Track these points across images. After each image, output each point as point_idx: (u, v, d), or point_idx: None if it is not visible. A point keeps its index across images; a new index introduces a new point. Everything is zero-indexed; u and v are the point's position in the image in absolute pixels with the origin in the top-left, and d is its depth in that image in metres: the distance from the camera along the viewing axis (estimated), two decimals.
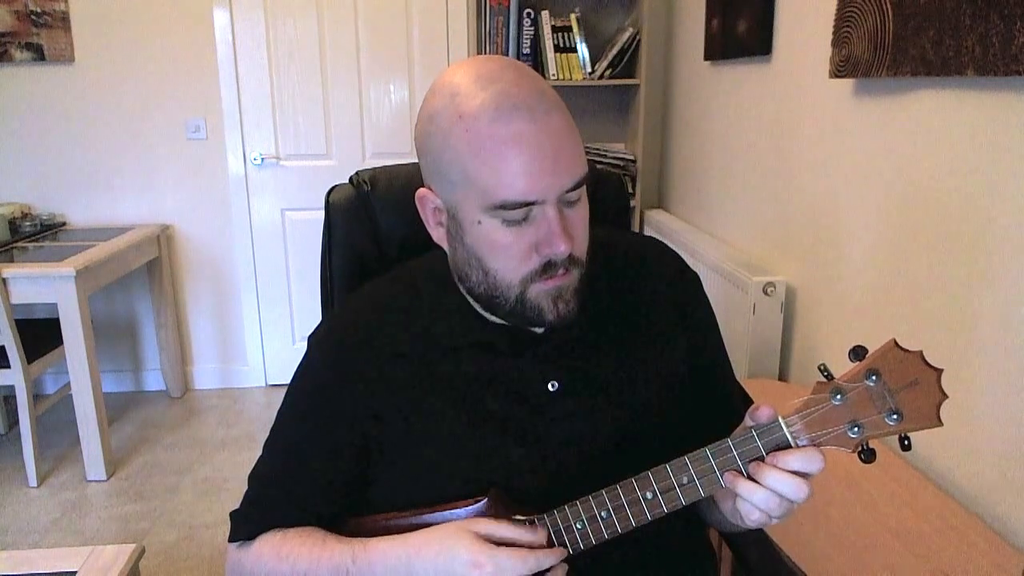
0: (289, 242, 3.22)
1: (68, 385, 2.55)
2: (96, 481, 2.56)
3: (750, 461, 0.70)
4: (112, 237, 2.83)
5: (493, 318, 0.82)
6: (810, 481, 0.69)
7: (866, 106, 1.53)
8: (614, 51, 2.91)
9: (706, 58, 2.48)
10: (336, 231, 1.04)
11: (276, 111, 3.09)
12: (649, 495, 0.73)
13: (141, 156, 3.10)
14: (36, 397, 2.71)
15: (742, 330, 1.90)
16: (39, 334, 2.62)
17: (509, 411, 0.81)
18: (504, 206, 0.71)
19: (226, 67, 3.03)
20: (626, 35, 2.90)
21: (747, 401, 0.96)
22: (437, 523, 0.78)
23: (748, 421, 0.72)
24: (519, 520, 0.74)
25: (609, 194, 1.09)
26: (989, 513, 1.20)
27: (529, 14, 2.86)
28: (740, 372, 0.97)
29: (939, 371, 0.66)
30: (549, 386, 0.81)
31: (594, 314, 0.82)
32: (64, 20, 2.93)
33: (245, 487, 0.88)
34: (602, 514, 0.74)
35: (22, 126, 3.04)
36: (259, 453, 0.89)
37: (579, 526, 0.75)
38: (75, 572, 1.23)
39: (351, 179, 1.07)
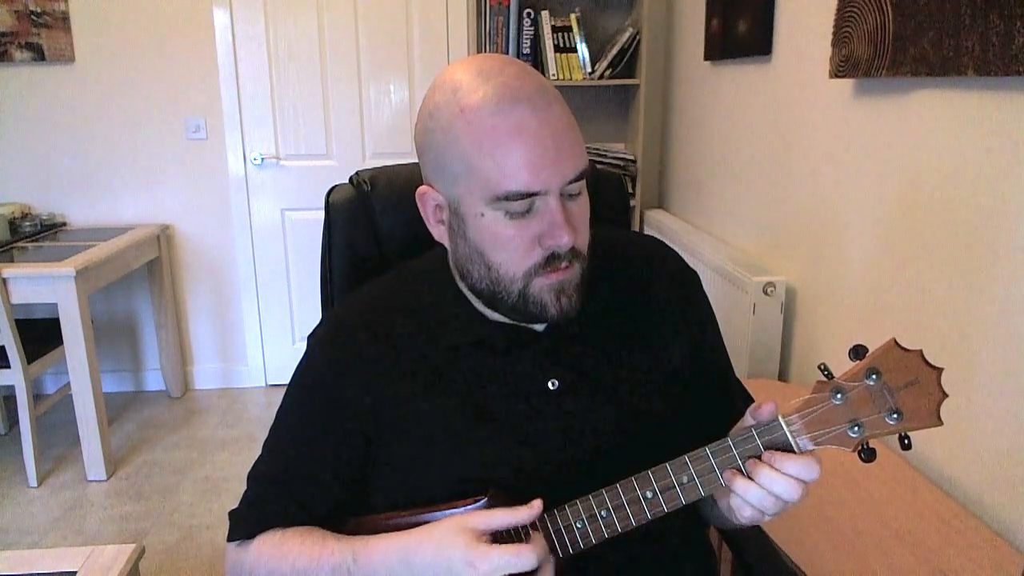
0: (289, 242, 3.22)
1: (68, 385, 2.55)
2: (96, 481, 2.56)
3: (749, 458, 0.70)
4: (112, 237, 2.83)
5: (494, 316, 0.82)
6: (806, 485, 0.69)
7: (866, 106, 1.53)
8: (614, 51, 2.91)
9: (706, 58, 2.48)
10: (336, 231, 1.04)
11: (276, 111, 3.09)
12: (649, 494, 0.73)
13: (141, 156, 3.10)
14: (36, 397, 2.71)
15: (742, 330, 1.90)
16: (39, 334, 2.62)
17: (509, 409, 0.81)
18: (508, 197, 0.71)
19: (226, 67, 3.03)
20: (626, 35, 2.90)
21: (748, 399, 0.96)
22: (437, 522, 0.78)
23: (748, 419, 0.72)
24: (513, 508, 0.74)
25: (609, 194, 1.09)
26: (989, 513, 1.20)
27: (529, 14, 2.86)
28: (740, 372, 0.97)
29: (939, 370, 0.66)
30: (549, 384, 0.81)
31: (594, 313, 0.83)
32: (64, 20, 2.93)
33: (245, 487, 0.88)
34: (602, 513, 0.74)
35: (22, 126, 3.04)
36: (259, 453, 0.89)
37: (579, 525, 0.75)
38: (75, 572, 1.23)
39: (351, 179, 1.07)
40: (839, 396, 0.68)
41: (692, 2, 2.68)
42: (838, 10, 1.55)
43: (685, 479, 0.72)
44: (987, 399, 1.20)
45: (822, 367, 0.70)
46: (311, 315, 3.27)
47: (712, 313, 0.94)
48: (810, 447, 0.69)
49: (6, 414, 2.97)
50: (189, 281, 3.25)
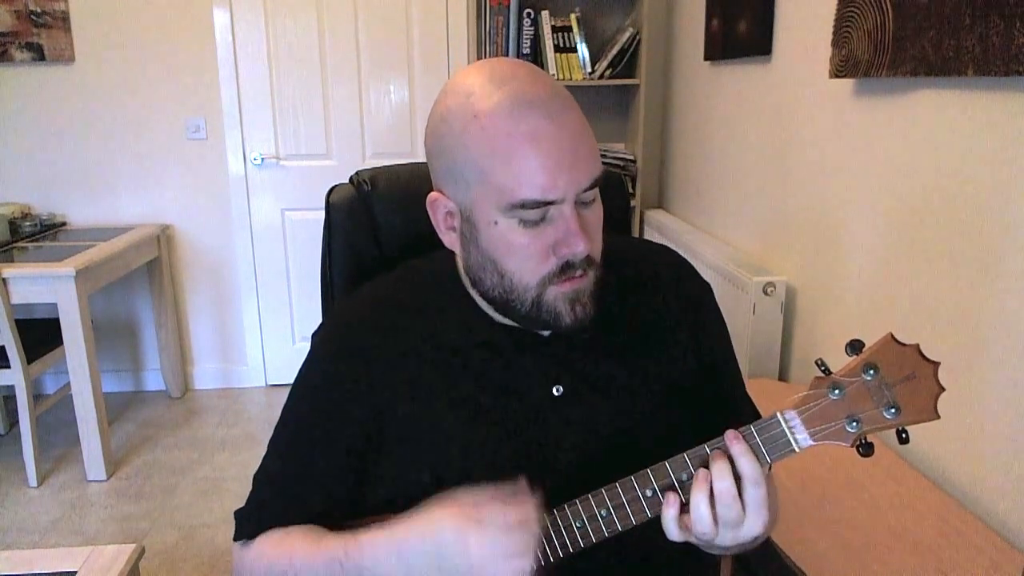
0: (289, 242, 3.22)
1: (68, 385, 2.55)
2: (96, 481, 2.56)
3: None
4: (112, 237, 2.83)
5: (499, 319, 0.82)
6: (735, 503, 0.68)
7: (866, 106, 1.53)
8: (614, 51, 2.91)
9: (706, 58, 2.48)
10: (336, 231, 1.04)
11: (276, 111, 3.09)
12: (649, 493, 0.73)
13: (141, 156, 3.10)
14: (36, 397, 2.71)
15: (742, 330, 1.90)
16: (39, 334, 2.62)
17: (512, 413, 0.81)
18: (523, 205, 0.71)
19: (226, 67, 3.03)
20: (626, 35, 2.90)
21: (755, 412, 0.95)
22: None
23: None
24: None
25: (609, 194, 1.09)
26: (989, 513, 1.20)
27: (529, 14, 2.86)
28: (740, 372, 0.97)
29: (936, 364, 0.66)
30: (554, 390, 0.81)
31: (602, 320, 0.82)
32: (64, 20, 2.93)
33: (245, 487, 0.88)
34: (602, 513, 0.74)
35: (22, 126, 3.04)
36: (259, 453, 0.89)
37: (579, 525, 0.75)
38: (75, 572, 1.23)
39: (351, 179, 1.07)
40: (836, 392, 0.68)
41: (692, 2, 2.68)
42: (838, 10, 1.55)
43: (685, 477, 0.72)
44: (987, 399, 1.20)
45: (819, 363, 0.70)
46: (311, 315, 3.27)
47: (723, 324, 0.93)
48: (808, 443, 0.69)
49: (6, 414, 2.97)
50: (189, 281, 3.25)
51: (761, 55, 2.02)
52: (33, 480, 2.52)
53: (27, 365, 2.44)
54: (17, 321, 2.39)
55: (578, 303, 0.76)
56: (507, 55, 2.89)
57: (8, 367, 2.42)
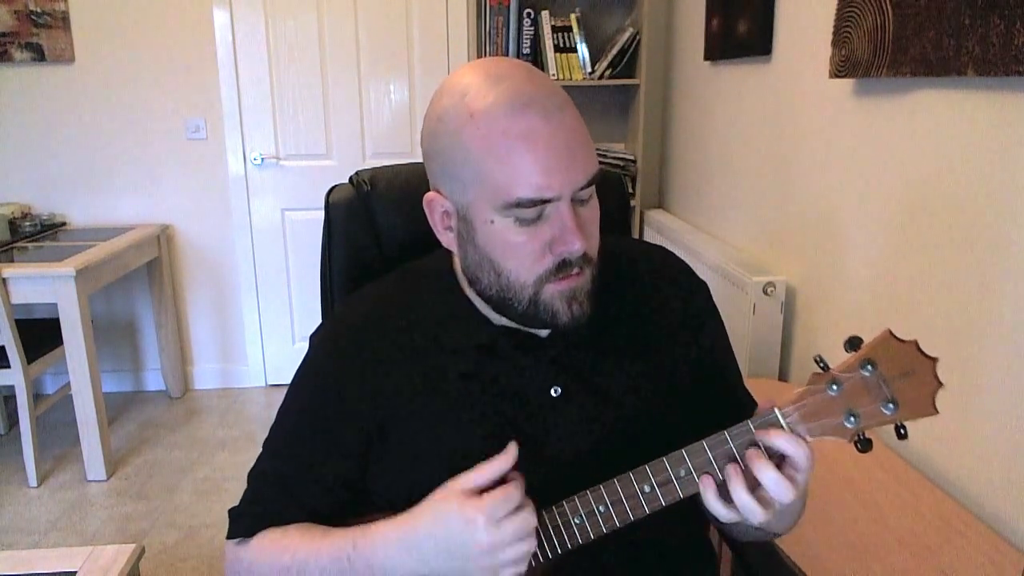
0: (289, 242, 3.22)
1: (68, 385, 2.55)
2: (96, 481, 2.56)
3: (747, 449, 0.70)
4: (112, 237, 2.83)
5: (498, 320, 0.82)
6: (795, 483, 0.68)
7: (866, 106, 1.53)
8: (614, 51, 2.91)
9: (706, 58, 2.48)
10: (336, 231, 1.04)
11: (276, 111, 3.10)
12: (647, 488, 0.73)
13: (141, 156, 3.10)
14: (36, 397, 2.71)
15: (742, 330, 1.90)
16: (39, 334, 2.62)
17: (510, 414, 0.81)
18: (519, 204, 0.71)
19: (226, 67, 3.03)
20: (626, 35, 2.90)
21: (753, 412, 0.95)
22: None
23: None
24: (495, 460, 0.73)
25: (609, 194, 1.09)
26: (989, 513, 1.20)
27: (529, 14, 2.86)
28: (740, 372, 0.97)
29: (934, 360, 0.66)
30: (552, 391, 0.81)
31: (600, 321, 0.82)
32: (64, 20, 2.94)
33: (245, 487, 0.88)
34: (600, 509, 0.74)
35: (22, 126, 3.04)
36: (259, 452, 0.89)
37: (577, 521, 0.75)
38: (75, 572, 1.23)
39: (351, 179, 1.07)
40: (835, 387, 0.68)
41: (692, 2, 2.68)
42: (838, 10, 1.55)
43: (683, 472, 0.72)
44: (988, 399, 1.20)
45: (818, 359, 0.70)
46: (311, 315, 3.27)
47: (721, 324, 0.93)
48: (807, 438, 0.69)
49: (6, 414, 2.97)
50: (189, 281, 3.25)
51: (761, 55, 2.02)
52: (33, 480, 2.53)
53: (27, 365, 2.44)
54: (17, 321, 2.40)
55: (575, 301, 0.76)
56: (507, 55, 2.89)
57: (8, 367, 2.42)
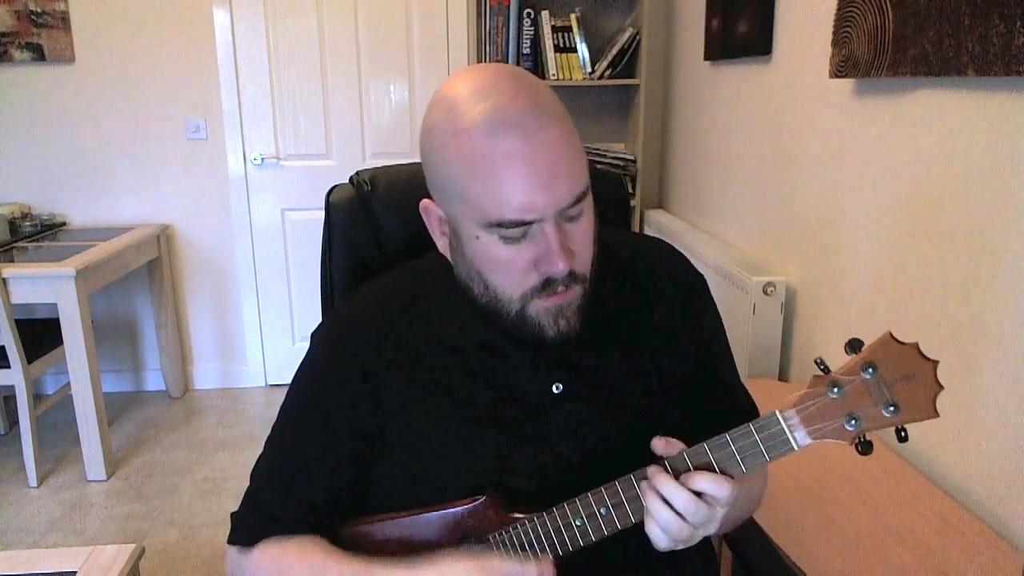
0: (289, 242, 3.22)
1: (68, 385, 2.55)
2: (96, 481, 2.56)
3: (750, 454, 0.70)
4: (112, 237, 2.83)
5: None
6: (711, 506, 0.70)
7: (866, 106, 1.53)
8: (614, 51, 2.91)
9: (706, 58, 2.48)
10: (336, 231, 1.04)
11: (276, 111, 3.10)
12: None
13: (141, 156, 3.10)
14: (36, 397, 2.70)
15: (742, 330, 1.90)
16: (39, 334, 2.62)
17: (511, 412, 0.81)
18: (500, 224, 0.70)
19: (226, 67, 3.03)
20: (626, 35, 2.90)
21: (751, 404, 0.96)
22: (434, 523, 0.78)
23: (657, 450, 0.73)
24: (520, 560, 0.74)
25: (609, 194, 1.09)
26: (989, 513, 1.20)
27: (529, 14, 2.86)
28: (740, 372, 0.97)
29: (935, 363, 0.66)
30: (553, 388, 0.81)
31: (599, 316, 0.82)
32: (64, 20, 2.94)
33: (245, 487, 0.88)
34: (601, 511, 0.74)
35: (22, 126, 3.04)
36: (259, 453, 0.89)
37: (578, 523, 0.75)
38: (75, 572, 1.23)
39: (351, 179, 1.07)
40: (835, 390, 0.68)
41: (692, 2, 2.68)
42: (838, 10, 1.55)
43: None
44: (988, 399, 1.20)
45: (818, 361, 0.70)
46: (311, 315, 3.27)
47: (718, 317, 0.94)
48: (807, 441, 0.69)
49: (6, 414, 2.97)
50: (189, 281, 3.25)
51: (761, 55, 2.02)
52: (33, 480, 2.53)
53: (27, 365, 2.44)
54: (17, 321, 2.40)
55: (561, 317, 0.76)
56: (507, 55, 2.89)
57: (8, 367, 2.42)
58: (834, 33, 1.56)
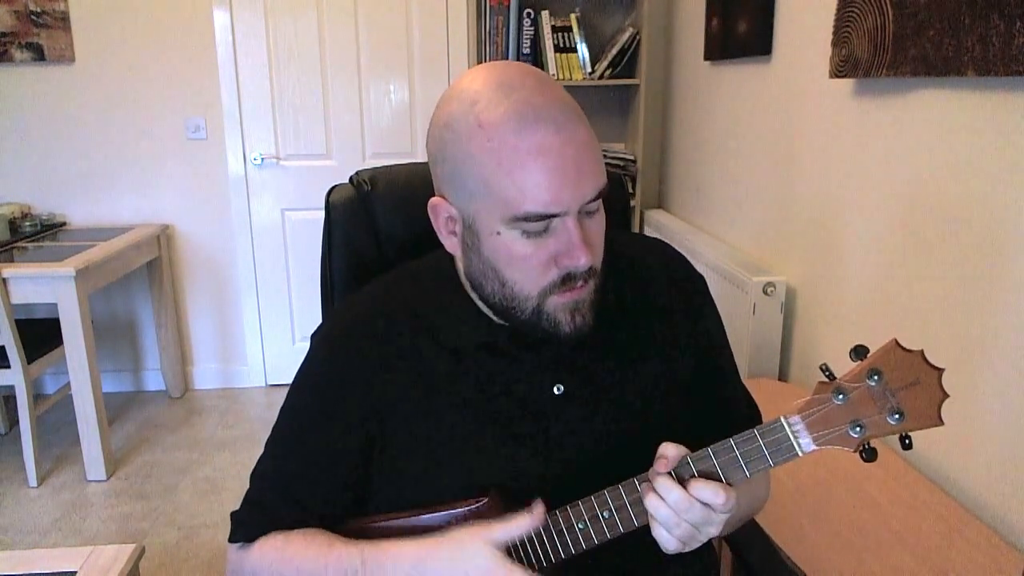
0: (289, 242, 3.22)
1: (68, 385, 2.55)
2: (96, 481, 2.56)
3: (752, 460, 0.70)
4: (112, 237, 2.83)
5: (499, 319, 0.82)
6: (709, 508, 0.70)
7: (866, 106, 1.53)
8: (614, 51, 2.91)
9: (706, 58, 2.48)
10: (336, 231, 1.04)
11: (276, 111, 3.09)
12: None
13: (141, 156, 3.10)
14: (36, 397, 2.70)
15: (742, 330, 1.90)
16: (39, 334, 2.62)
17: (512, 413, 0.81)
18: (527, 218, 0.70)
19: (226, 67, 3.03)
20: (626, 35, 2.90)
21: (752, 405, 0.96)
22: (437, 524, 0.78)
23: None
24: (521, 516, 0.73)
25: (609, 194, 1.09)
26: (989, 513, 1.20)
27: (529, 14, 2.86)
28: (741, 372, 0.97)
29: (940, 370, 0.66)
30: (554, 389, 0.81)
31: (600, 317, 0.82)
32: (64, 20, 2.93)
33: (245, 487, 0.88)
34: (604, 514, 0.74)
35: (22, 126, 3.04)
36: (259, 453, 0.89)
37: (581, 526, 0.75)
38: (75, 572, 1.23)
39: (351, 179, 1.07)
40: (841, 397, 0.68)
41: (692, 2, 2.68)
42: (838, 10, 1.55)
43: (688, 477, 0.72)
44: (988, 400, 1.20)
45: (823, 367, 0.70)
46: (311, 315, 3.27)
47: (719, 319, 0.94)
48: (812, 447, 0.69)
49: (6, 414, 2.96)
50: (189, 281, 3.25)
51: (761, 55, 2.02)
52: (33, 480, 2.52)
53: (27, 365, 2.44)
54: (17, 321, 2.39)
55: (578, 313, 0.76)
56: (507, 55, 2.89)
57: (8, 367, 2.42)
58: (834, 33, 1.56)
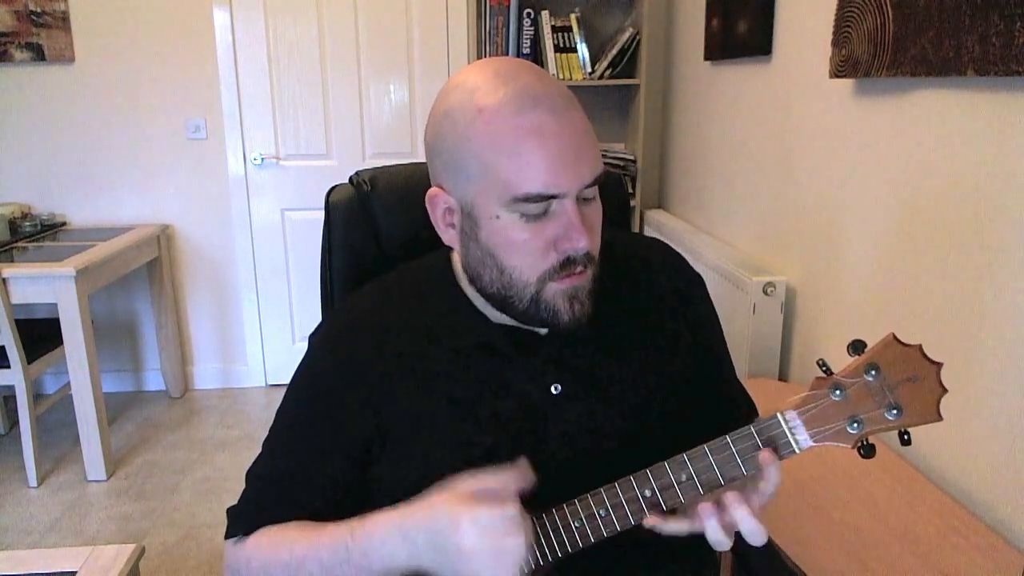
0: (289, 242, 3.22)
1: (68, 385, 2.55)
2: (96, 481, 2.56)
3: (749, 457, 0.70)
4: (112, 237, 2.83)
5: (497, 319, 0.82)
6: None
7: (866, 106, 1.53)
8: (614, 51, 2.91)
9: (706, 58, 2.48)
10: (336, 231, 1.04)
11: (276, 111, 3.09)
12: (648, 493, 0.72)
13: (141, 156, 3.10)
14: (36, 397, 2.71)
15: (742, 330, 1.90)
16: (39, 334, 2.62)
17: (510, 413, 0.81)
18: (526, 199, 0.71)
19: (226, 67, 3.03)
20: (626, 35, 2.90)
21: (750, 403, 0.96)
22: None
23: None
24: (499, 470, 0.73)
25: (609, 194, 1.09)
26: (989, 513, 1.20)
27: (529, 14, 2.86)
28: (740, 372, 0.97)
29: (938, 365, 0.66)
30: (552, 389, 0.81)
31: (597, 316, 0.82)
32: (64, 20, 2.93)
33: (244, 487, 0.88)
34: (600, 512, 0.74)
35: (22, 126, 3.04)
36: (259, 452, 0.89)
37: (577, 524, 0.75)
38: (75, 572, 1.23)
39: (351, 179, 1.07)
40: (838, 392, 0.67)
41: (692, 2, 2.68)
42: (838, 10, 1.55)
43: (684, 477, 0.72)
44: (988, 399, 1.20)
45: (820, 363, 0.70)
46: (311, 315, 3.27)
47: (716, 317, 0.94)
48: (809, 444, 0.69)
49: (6, 414, 2.97)
50: (189, 281, 3.25)
51: (761, 55, 2.02)
52: (33, 480, 2.52)
53: (27, 365, 2.44)
54: (17, 321, 2.39)
55: (576, 300, 0.76)
56: (507, 55, 2.89)
57: (8, 367, 2.42)
58: (834, 33, 1.56)
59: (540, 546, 0.76)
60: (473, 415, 0.80)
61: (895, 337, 0.66)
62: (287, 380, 0.90)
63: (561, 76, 2.90)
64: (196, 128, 3.09)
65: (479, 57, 2.91)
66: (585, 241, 0.72)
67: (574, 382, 0.82)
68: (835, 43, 1.56)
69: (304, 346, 0.88)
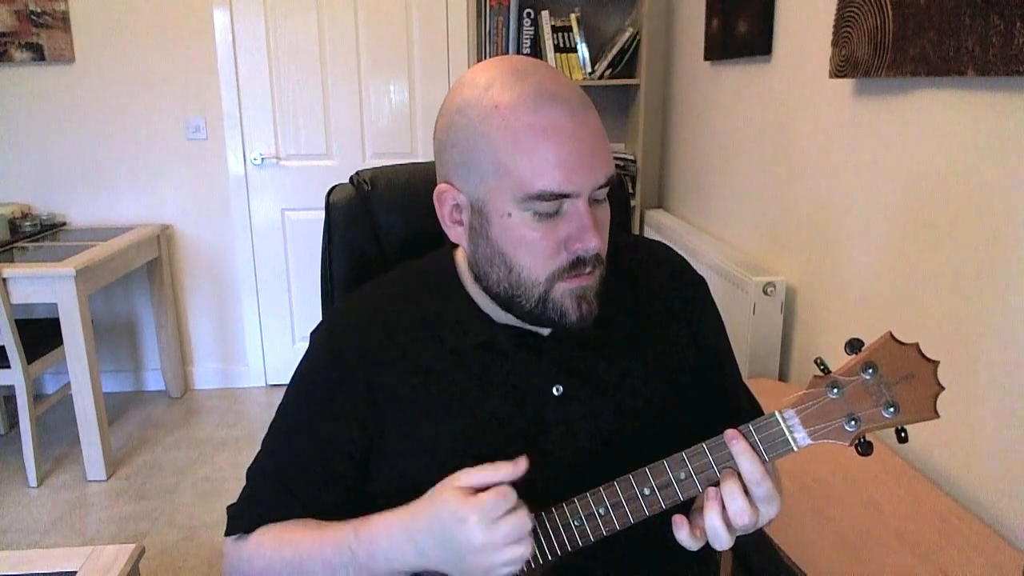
0: (289, 242, 3.22)
1: (68, 385, 2.55)
2: (96, 481, 2.56)
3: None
4: (112, 237, 2.83)
5: (500, 319, 0.82)
6: (753, 511, 0.69)
7: (866, 106, 1.53)
8: (614, 51, 2.91)
9: (706, 58, 2.48)
10: (336, 231, 1.04)
11: (276, 111, 3.10)
12: (647, 491, 0.72)
13: (141, 156, 3.10)
14: (36, 397, 2.71)
15: (742, 330, 1.90)
16: (39, 334, 2.62)
17: (512, 413, 0.80)
18: (540, 196, 0.71)
19: (226, 67, 3.03)
20: (626, 35, 2.90)
21: (754, 405, 0.96)
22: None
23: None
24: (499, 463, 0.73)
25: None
26: (989, 513, 1.20)
27: (529, 14, 2.86)
28: (741, 372, 0.97)
29: (935, 363, 0.66)
30: (554, 390, 0.81)
31: (601, 318, 0.82)
32: (64, 20, 2.94)
33: (244, 485, 0.88)
34: (600, 511, 0.74)
35: (22, 126, 3.04)
36: (258, 451, 0.89)
37: (577, 523, 0.75)
38: (75, 572, 1.23)
39: (351, 179, 1.07)
40: (835, 390, 0.68)
41: (692, 2, 2.68)
42: (838, 10, 1.55)
43: (683, 475, 0.72)
44: (987, 399, 1.20)
45: (818, 361, 0.70)
46: (311, 315, 3.27)
47: (719, 320, 0.93)
48: (807, 442, 0.69)
49: (6, 414, 2.97)
50: (189, 281, 3.25)
51: (761, 55, 2.02)
52: (33, 480, 2.52)
53: (27, 365, 2.44)
54: (17, 321, 2.40)
55: (584, 301, 0.76)
56: (507, 55, 2.89)
57: (8, 367, 2.42)
58: (834, 33, 1.56)
59: (540, 545, 0.76)
60: (474, 415, 0.80)
61: (892, 336, 0.66)
62: (287, 380, 0.89)
63: None
64: (196, 128, 3.09)
65: (479, 57, 2.91)
66: (596, 242, 0.72)
67: (577, 383, 0.82)
68: (835, 43, 1.56)
69: (304, 346, 0.88)
